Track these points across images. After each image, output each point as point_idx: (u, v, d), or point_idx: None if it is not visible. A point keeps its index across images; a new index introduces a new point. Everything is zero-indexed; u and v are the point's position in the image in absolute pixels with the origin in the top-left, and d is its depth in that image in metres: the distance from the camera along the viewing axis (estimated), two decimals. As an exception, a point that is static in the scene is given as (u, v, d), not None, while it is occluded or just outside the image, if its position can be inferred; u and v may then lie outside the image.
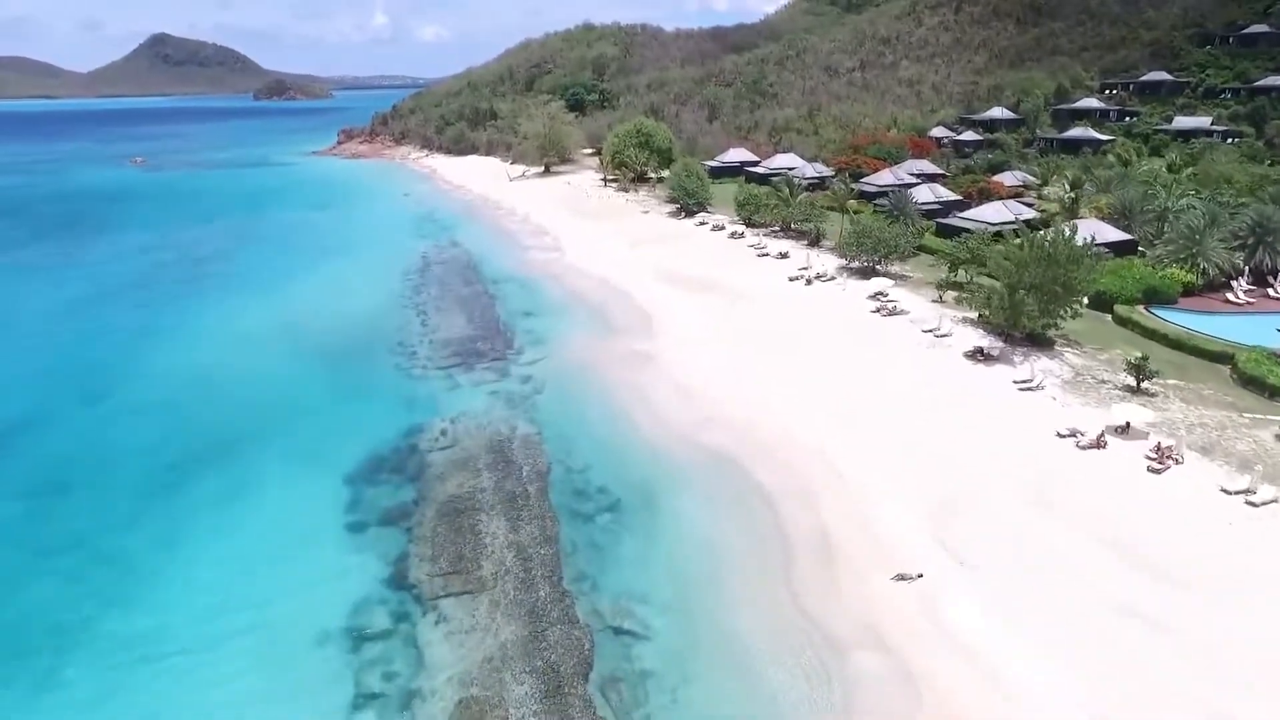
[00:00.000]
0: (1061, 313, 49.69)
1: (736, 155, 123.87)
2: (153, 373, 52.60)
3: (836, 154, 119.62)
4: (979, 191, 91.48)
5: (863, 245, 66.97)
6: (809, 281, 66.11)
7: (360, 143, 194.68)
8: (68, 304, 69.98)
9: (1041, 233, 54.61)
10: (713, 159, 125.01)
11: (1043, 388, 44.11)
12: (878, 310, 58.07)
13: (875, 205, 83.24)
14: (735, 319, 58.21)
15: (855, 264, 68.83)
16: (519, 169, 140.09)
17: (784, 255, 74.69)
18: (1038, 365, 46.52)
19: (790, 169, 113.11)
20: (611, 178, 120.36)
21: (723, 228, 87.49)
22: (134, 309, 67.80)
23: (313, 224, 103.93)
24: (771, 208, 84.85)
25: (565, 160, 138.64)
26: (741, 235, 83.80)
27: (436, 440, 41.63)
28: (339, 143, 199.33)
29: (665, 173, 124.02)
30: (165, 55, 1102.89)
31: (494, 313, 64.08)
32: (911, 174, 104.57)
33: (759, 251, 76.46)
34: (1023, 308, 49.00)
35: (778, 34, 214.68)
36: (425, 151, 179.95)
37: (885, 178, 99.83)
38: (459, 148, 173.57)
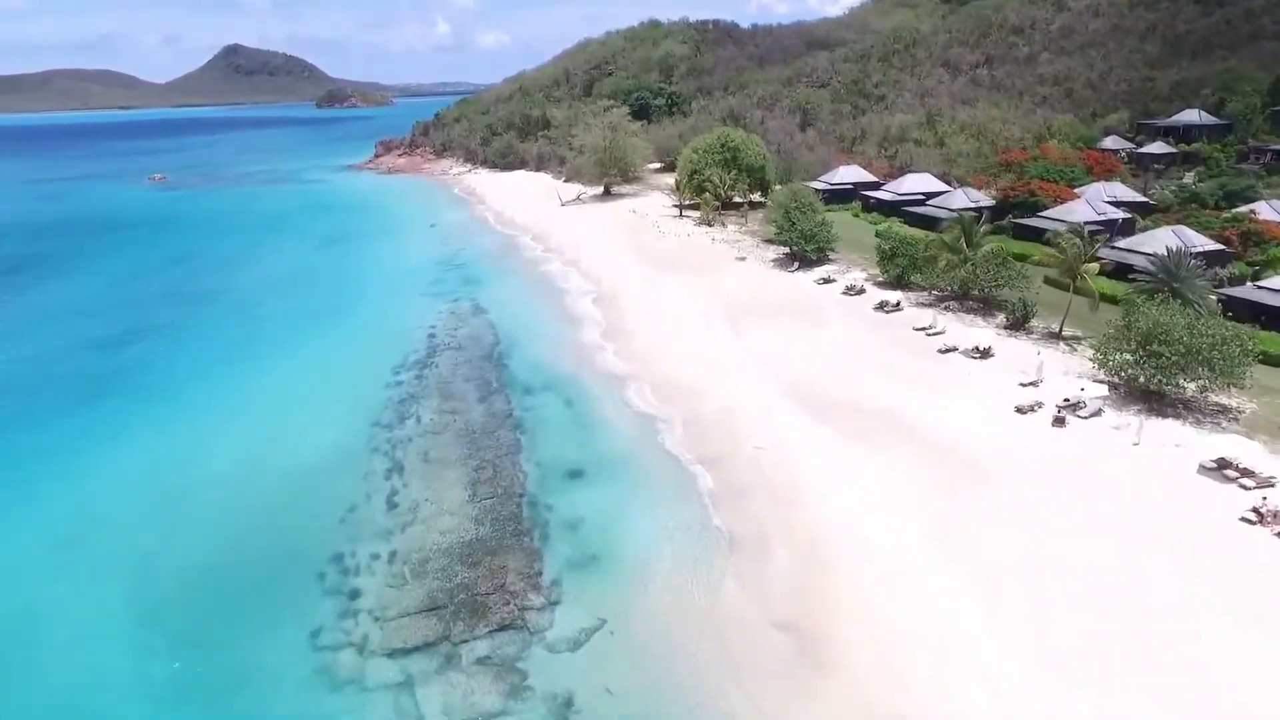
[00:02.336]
0: None
1: (849, 175, 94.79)
2: None
3: (982, 173, 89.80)
4: (1241, 235, 61.02)
5: (1156, 357, 37.53)
6: (1060, 420, 37.20)
7: (399, 155, 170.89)
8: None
9: None
10: (817, 179, 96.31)
11: None
12: (1260, 519, 29.13)
13: (1132, 277, 51.89)
14: (977, 522, 29.97)
15: (1118, 376, 39.73)
16: (573, 189, 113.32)
17: (983, 353, 45.75)
18: None
19: (926, 195, 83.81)
20: (688, 203, 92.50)
21: (860, 290, 58.91)
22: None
23: (307, 270, 78.70)
24: (939, 263, 55.90)
25: (629, 178, 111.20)
26: (897, 307, 55.05)
27: None
28: (376, 155, 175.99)
29: (757, 196, 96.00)
30: (237, 65, 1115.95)
31: (517, 475, 36.72)
32: (1109, 202, 74.39)
33: (941, 346, 47.44)
34: None
35: (869, 27, 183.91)
36: (468, 166, 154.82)
37: (1078, 211, 69.84)
38: (505, 162, 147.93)
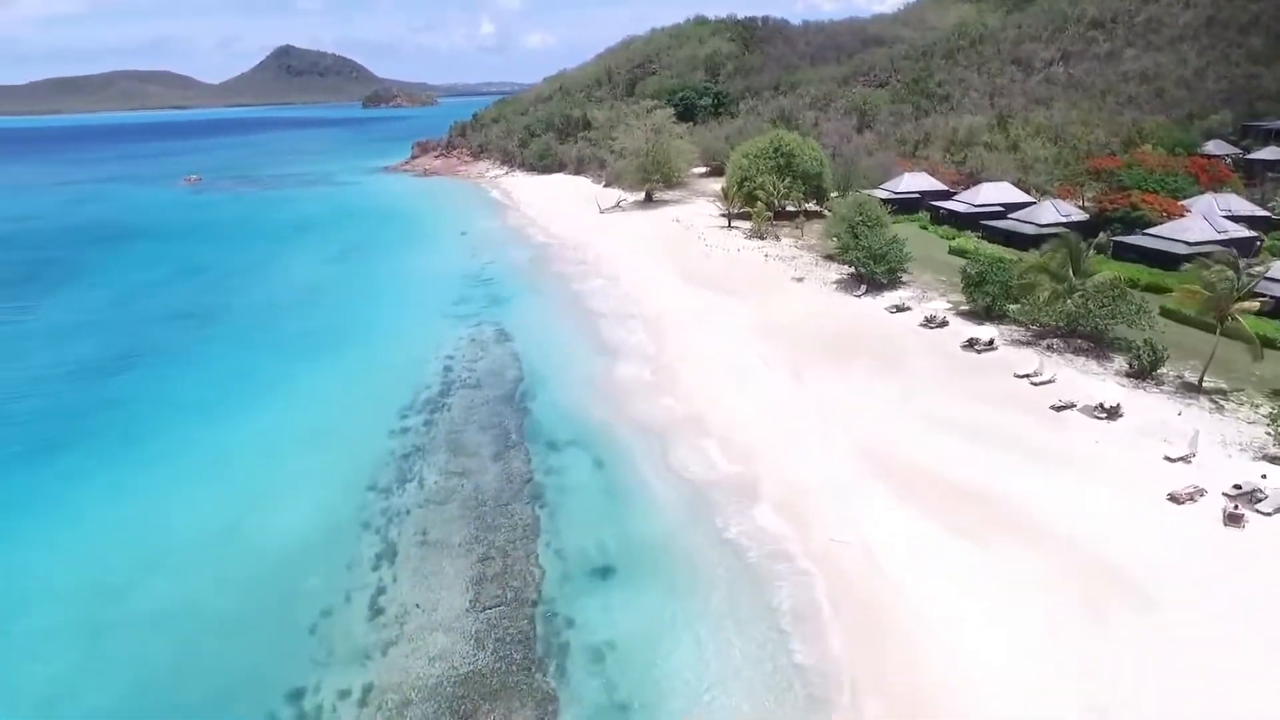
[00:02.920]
0: None
1: (915, 183, 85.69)
2: None
3: (1067, 182, 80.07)
4: None
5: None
6: (1235, 516, 28.47)
7: (435, 157, 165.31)
8: None
9: None
10: (879, 187, 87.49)
11: None
12: None
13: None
14: (1149, 680, 21.43)
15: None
16: (613, 195, 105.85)
17: (1110, 412, 36.93)
18: None
19: (1005, 207, 74.49)
20: (737, 212, 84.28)
21: (942, 322, 50.27)
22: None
23: (323, 285, 72.37)
24: (1039, 293, 47.00)
25: (673, 184, 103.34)
26: (990, 346, 46.32)
27: None
28: (413, 157, 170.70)
29: (812, 205, 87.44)
30: (288, 66, 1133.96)
31: (531, 572, 28.99)
32: (1226, 217, 64.35)
33: (1056, 402, 38.60)
34: None
35: (926, 23, 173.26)
36: (505, 169, 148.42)
37: (1194, 228, 60.07)
38: (543, 164, 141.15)
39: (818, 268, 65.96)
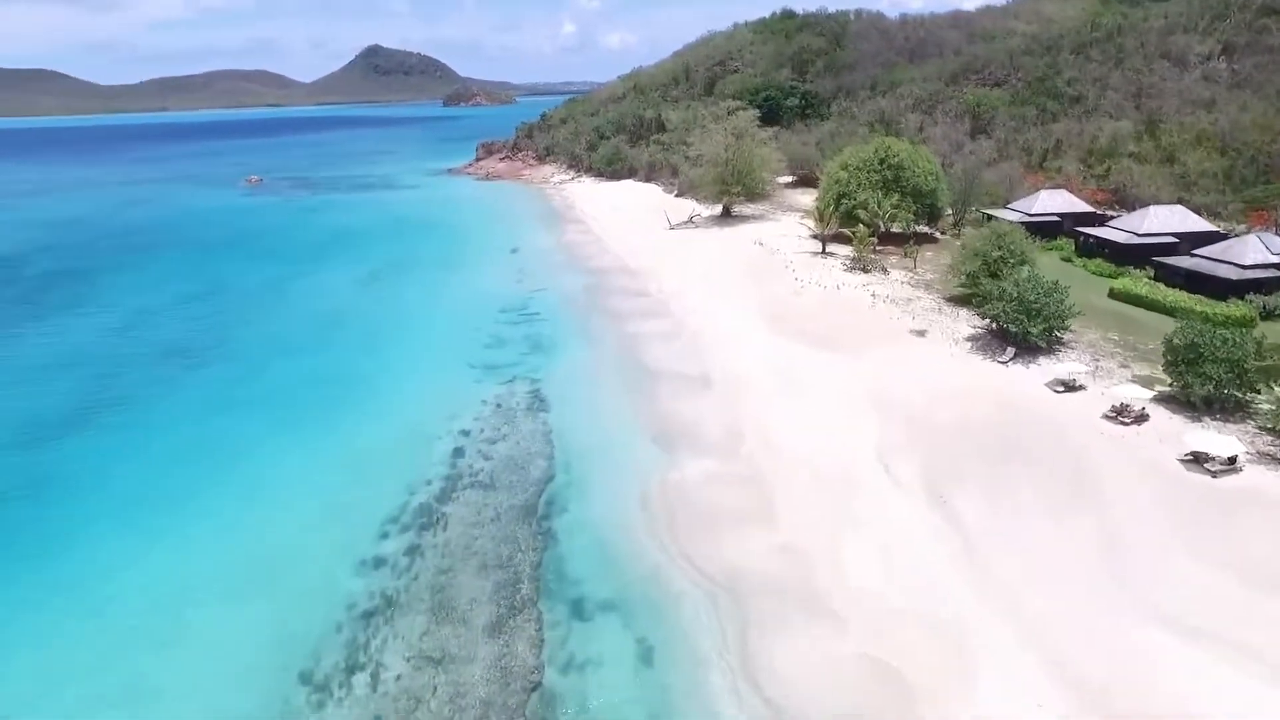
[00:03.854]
0: None
1: (1054, 203, 69.87)
2: None
3: (1259, 205, 63.02)
4: None
5: None
6: None
7: (500, 159, 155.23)
8: None
9: None
10: (1007, 207, 72.36)
11: None
12: None
13: None
14: None
15: None
16: (685, 207, 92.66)
17: None
18: None
19: (1178, 237, 58.05)
20: (833, 233, 69.89)
21: (1140, 415, 35.25)
22: None
23: (342, 316, 61.46)
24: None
25: (755, 197, 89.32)
26: (1232, 466, 31.05)
27: None
28: (477, 159, 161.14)
29: (924, 227, 72.45)
30: (376, 65, 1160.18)
31: None
32: None
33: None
34: None
35: (1043, 14, 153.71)
36: (571, 173, 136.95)
37: None
38: (612, 169, 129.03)
39: (942, 315, 51.35)
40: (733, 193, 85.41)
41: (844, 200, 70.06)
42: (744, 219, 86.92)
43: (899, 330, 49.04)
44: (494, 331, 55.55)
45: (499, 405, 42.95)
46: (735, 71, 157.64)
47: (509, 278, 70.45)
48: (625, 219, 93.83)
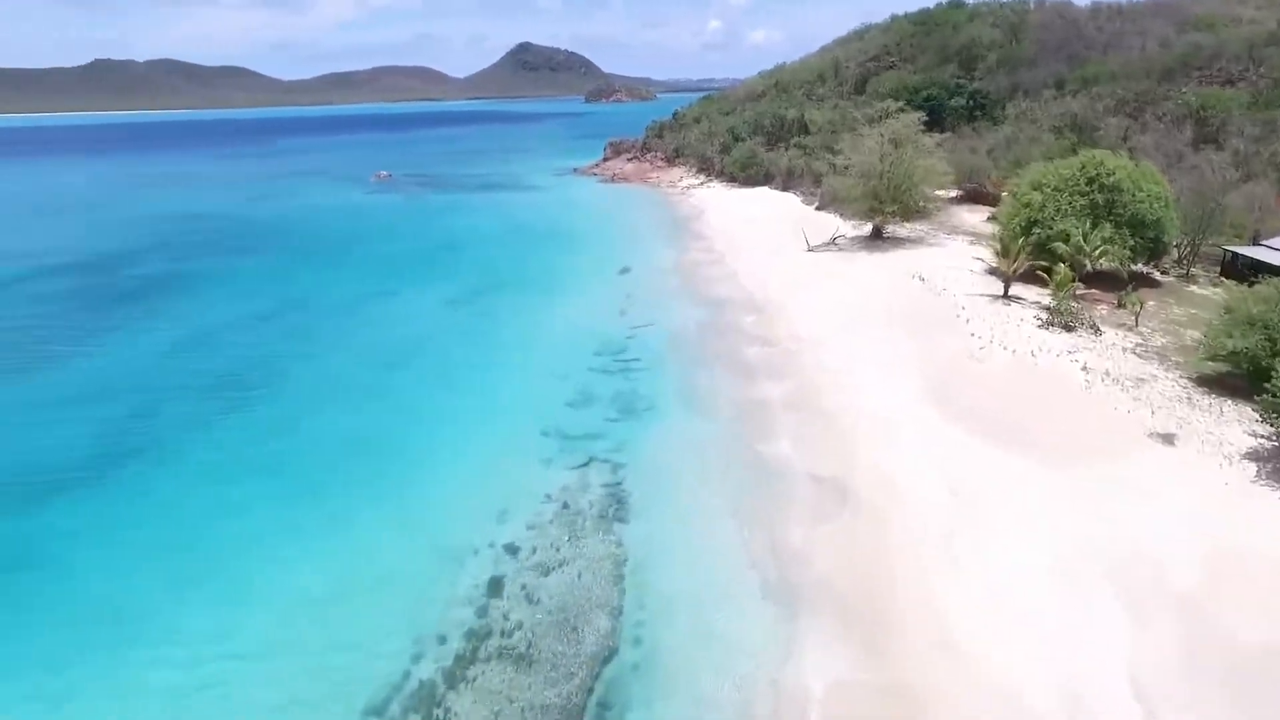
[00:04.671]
0: None
1: (1340, 242, 51.63)
2: None
3: None
4: None
5: None
6: None
7: (628, 159, 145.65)
8: None
9: None
10: (1258, 243, 54.84)
11: None
12: None
13: None
14: None
15: None
16: (827, 224, 79.02)
17: None
18: None
19: None
20: (1018, 269, 54.37)
21: None
22: None
23: (410, 352, 52.49)
24: None
25: (913, 212, 74.17)
26: None
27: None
28: (604, 158, 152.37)
29: (1143, 266, 55.88)
30: (525, 61, 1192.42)
31: None
32: None
33: None
34: None
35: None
36: (702, 177, 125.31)
37: None
38: (746, 175, 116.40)
39: (1195, 408, 35.95)
40: (886, 213, 70.95)
41: (1035, 229, 54.73)
42: (898, 242, 72.38)
43: (1131, 430, 34.27)
44: (582, 383, 44.89)
45: (564, 506, 32.07)
46: (891, 68, 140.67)
47: (613, 306, 59.77)
48: (756, 235, 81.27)
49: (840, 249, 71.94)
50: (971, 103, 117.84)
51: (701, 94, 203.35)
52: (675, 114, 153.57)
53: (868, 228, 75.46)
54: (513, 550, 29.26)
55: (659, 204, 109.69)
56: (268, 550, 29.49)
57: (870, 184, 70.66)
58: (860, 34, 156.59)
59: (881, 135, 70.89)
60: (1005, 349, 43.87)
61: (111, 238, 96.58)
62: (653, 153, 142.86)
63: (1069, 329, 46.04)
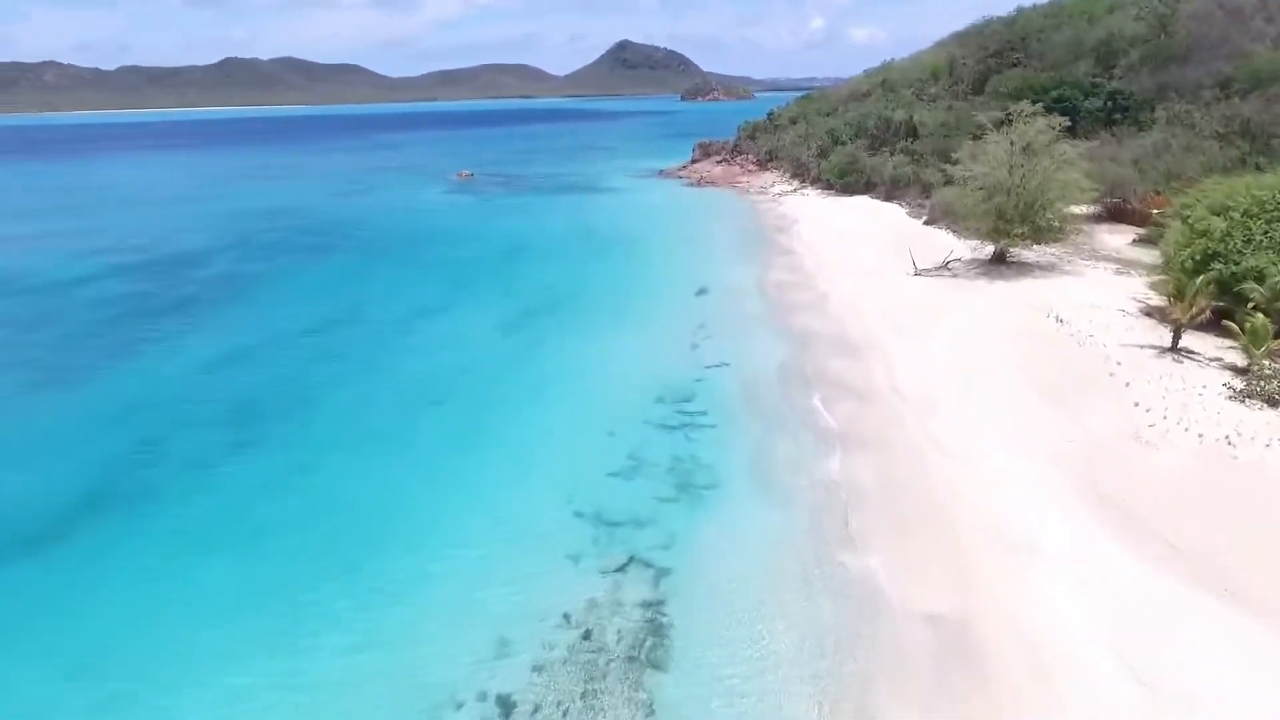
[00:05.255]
0: None
1: None
2: None
3: None
4: None
5: None
6: None
7: (717, 162, 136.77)
8: None
9: None
10: None
11: None
12: None
13: None
14: None
15: None
16: (939, 243, 68.46)
17: None
18: None
19: None
20: (1194, 314, 43.01)
21: None
22: None
23: (449, 388, 45.58)
24: None
25: (1044, 234, 62.44)
26: None
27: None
28: (692, 160, 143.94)
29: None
30: (624, 60, 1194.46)
31: None
32: None
33: None
34: None
35: None
36: (795, 184, 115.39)
37: None
38: (845, 182, 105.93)
39: None
40: (1014, 235, 59.96)
41: (1216, 264, 43.34)
42: (1025, 268, 61.23)
43: (1403, 580, 23.66)
44: (634, 442, 36.87)
45: (585, 636, 24.11)
46: (1015, 65, 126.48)
47: (683, 338, 51.52)
48: (853, 254, 71.42)
49: (954, 274, 61.42)
50: (1110, 104, 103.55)
51: (800, 93, 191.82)
52: (770, 114, 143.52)
53: (987, 248, 64.52)
54: (507, 705, 21.58)
55: (746, 212, 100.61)
56: (198, 672, 22.81)
57: (996, 200, 59.74)
58: (980, 28, 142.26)
59: (1012, 142, 59.78)
60: (1186, 429, 33.26)
61: (185, 235, 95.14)
62: (743, 155, 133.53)
63: (1273, 402, 34.91)
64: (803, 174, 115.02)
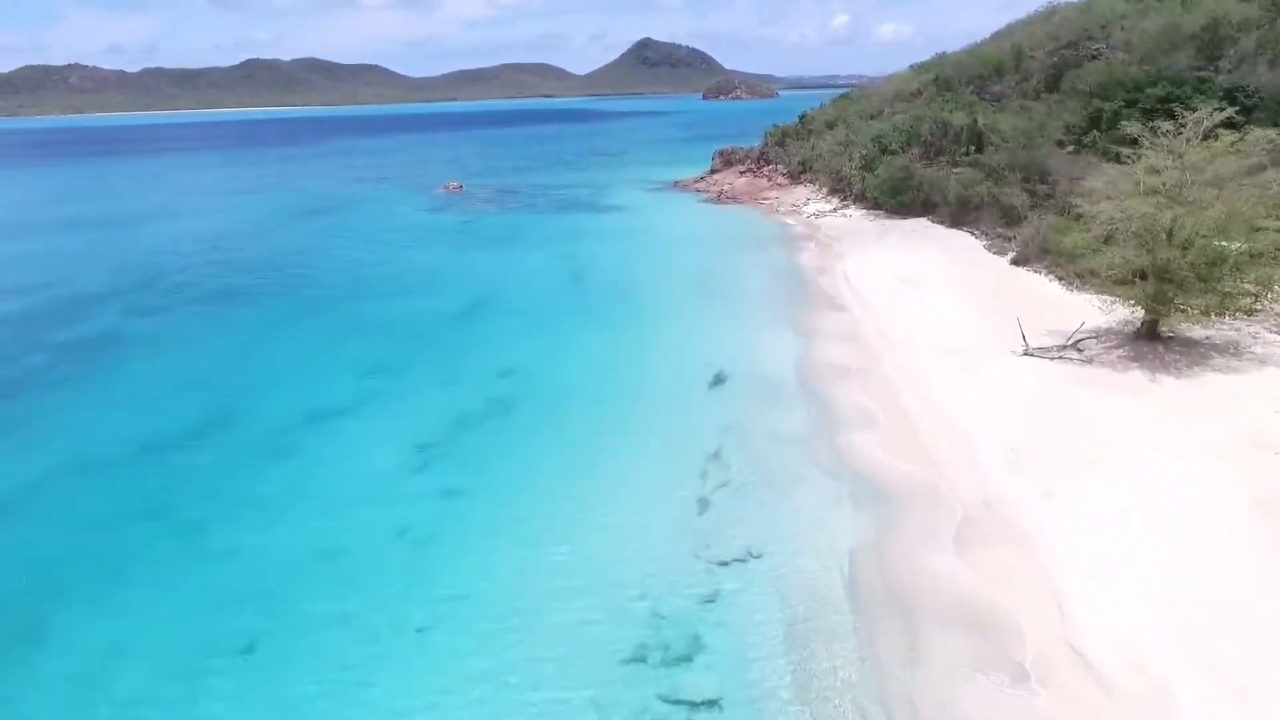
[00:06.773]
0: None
1: None
2: None
3: None
4: None
5: None
6: None
7: (740, 173, 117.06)
8: None
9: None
10: None
11: None
12: None
13: None
14: None
15: None
16: (1048, 299, 48.71)
17: None
18: None
19: None
20: None
21: None
22: None
23: (372, 554, 27.41)
24: None
25: (1231, 302, 41.98)
26: None
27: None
28: (712, 170, 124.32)
29: None
30: (645, 58, 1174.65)
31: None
32: None
33: None
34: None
35: None
36: (834, 202, 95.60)
37: None
38: (897, 201, 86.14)
39: None
40: (1181, 307, 40.00)
41: None
42: (1197, 351, 41.28)
43: None
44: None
45: None
46: (1095, 57, 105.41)
47: (685, 490, 32.21)
48: (927, 312, 51.80)
49: (1088, 360, 41.58)
50: (1229, 103, 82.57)
51: (825, 91, 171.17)
52: (801, 116, 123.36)
53: (1125, 311, 44.72)
54: None
55: (776, 240, 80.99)
56: None
57: (1156, 254, 39.82)
58: (1048, 15, 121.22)
59: (1182, 167, 39.74)
60: None
61: (81, 272, 77.20)
62: (771, 165, 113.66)
63: None
64: (843, 189, 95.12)
